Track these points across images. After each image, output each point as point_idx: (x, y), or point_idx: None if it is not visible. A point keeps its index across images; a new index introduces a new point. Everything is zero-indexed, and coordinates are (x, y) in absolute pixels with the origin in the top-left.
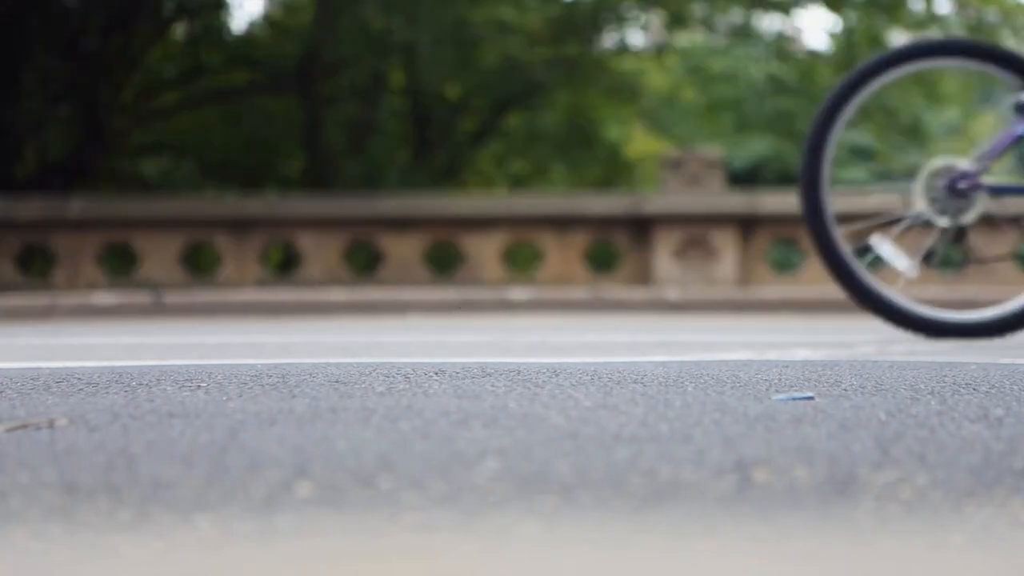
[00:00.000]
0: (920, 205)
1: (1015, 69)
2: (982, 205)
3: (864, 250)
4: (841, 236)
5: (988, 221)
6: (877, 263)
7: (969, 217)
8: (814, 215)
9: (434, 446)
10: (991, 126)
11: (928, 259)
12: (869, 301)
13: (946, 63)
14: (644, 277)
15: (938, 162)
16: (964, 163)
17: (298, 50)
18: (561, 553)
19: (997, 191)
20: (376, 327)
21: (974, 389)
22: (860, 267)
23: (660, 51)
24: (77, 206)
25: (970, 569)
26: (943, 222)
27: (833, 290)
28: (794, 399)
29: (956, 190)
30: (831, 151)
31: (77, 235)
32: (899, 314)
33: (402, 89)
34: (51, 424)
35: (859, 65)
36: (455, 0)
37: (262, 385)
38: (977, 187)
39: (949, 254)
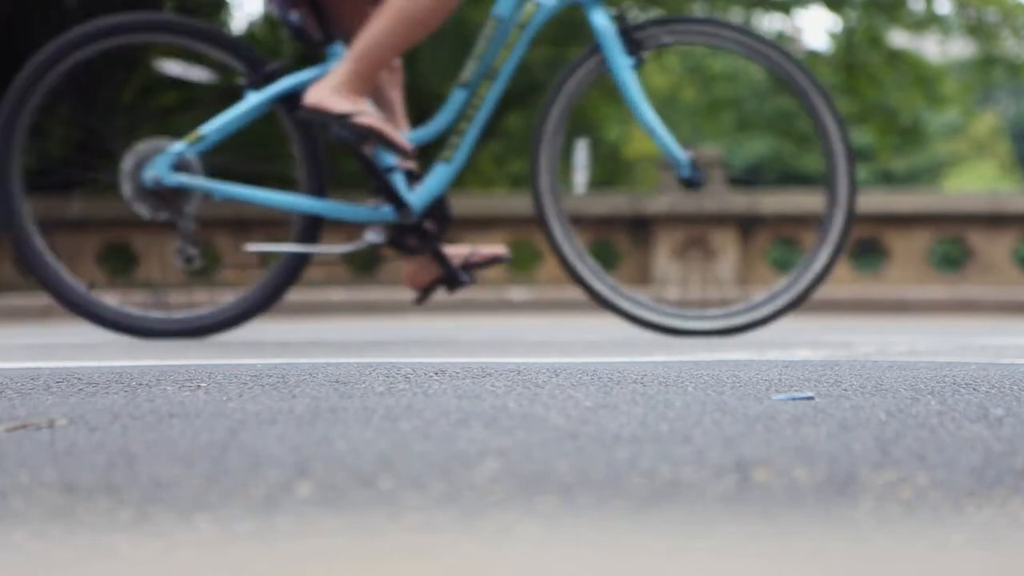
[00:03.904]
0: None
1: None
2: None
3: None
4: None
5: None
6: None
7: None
8: None
9: (434, 446)
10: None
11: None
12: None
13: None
14: (644, 277)
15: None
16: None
17: (298, 50)
18: (561, 553)
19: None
20: (376, 327)
21: (974, 389)
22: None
23: (660, 51)
24: (77, 206)
25: (970, 569)
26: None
27: (834, 290)
28: (794, 399)
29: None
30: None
31: (77, 235)
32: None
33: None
34: (51, 424)
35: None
36: None
37: (262, 385)
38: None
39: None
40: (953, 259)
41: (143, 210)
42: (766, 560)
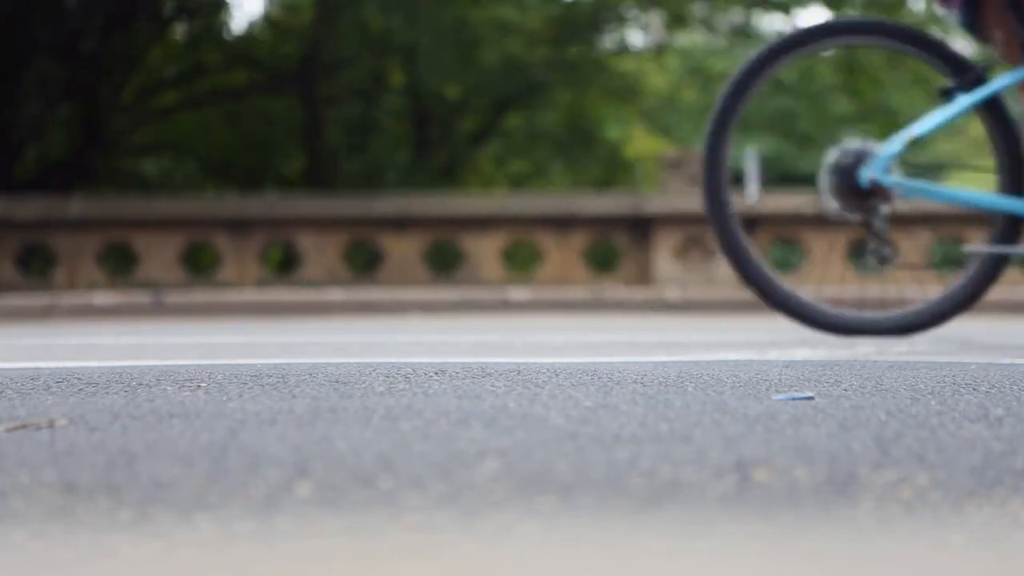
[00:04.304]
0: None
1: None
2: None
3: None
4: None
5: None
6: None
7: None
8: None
9: (434, 446)
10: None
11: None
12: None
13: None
14: (644, 277)
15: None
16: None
17: (298, 50)
18: (561, 553)
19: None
20: (376, 327)
21: (974, 389)
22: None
23: (660, 51)
24: (77, 206)
25: (970, 569)
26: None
27: (834, 290)
28: (794, 399)
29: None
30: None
31: (77, 235)
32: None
33: (402, 89)
34: (51, 424)
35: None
36: (455, 0)
37: (262, 385)
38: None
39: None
40: (953, 259)
41: (835, 207)
42: (766, 560)
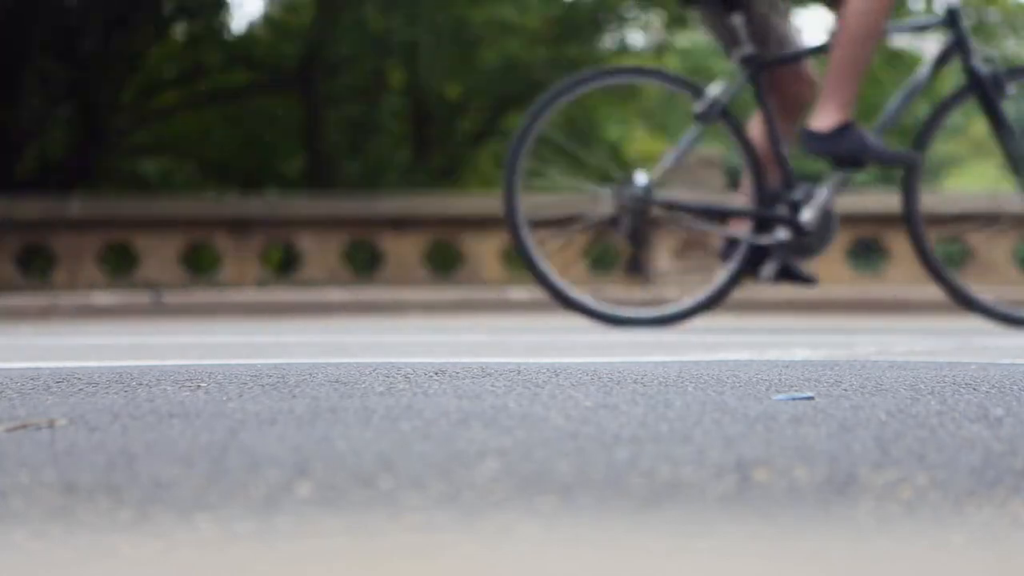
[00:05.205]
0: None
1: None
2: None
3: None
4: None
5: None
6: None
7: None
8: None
9: (434, 446)
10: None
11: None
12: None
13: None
14: (644, 277)
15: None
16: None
17: (298, 50)
18: (561, 553)
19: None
20: (376, 327)
21: (974, 389)
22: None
23: (660, 51)
24: (77, 206)
25: (970, 569)
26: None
27: (833, 290)
28: (794, 399)
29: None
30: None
31: (77, 235)
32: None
33: (402, 89)
34: (51, 424)
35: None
36: (455, 0)
37: (262, 385)
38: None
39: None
40: (953, 259)
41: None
42: (766, 560)
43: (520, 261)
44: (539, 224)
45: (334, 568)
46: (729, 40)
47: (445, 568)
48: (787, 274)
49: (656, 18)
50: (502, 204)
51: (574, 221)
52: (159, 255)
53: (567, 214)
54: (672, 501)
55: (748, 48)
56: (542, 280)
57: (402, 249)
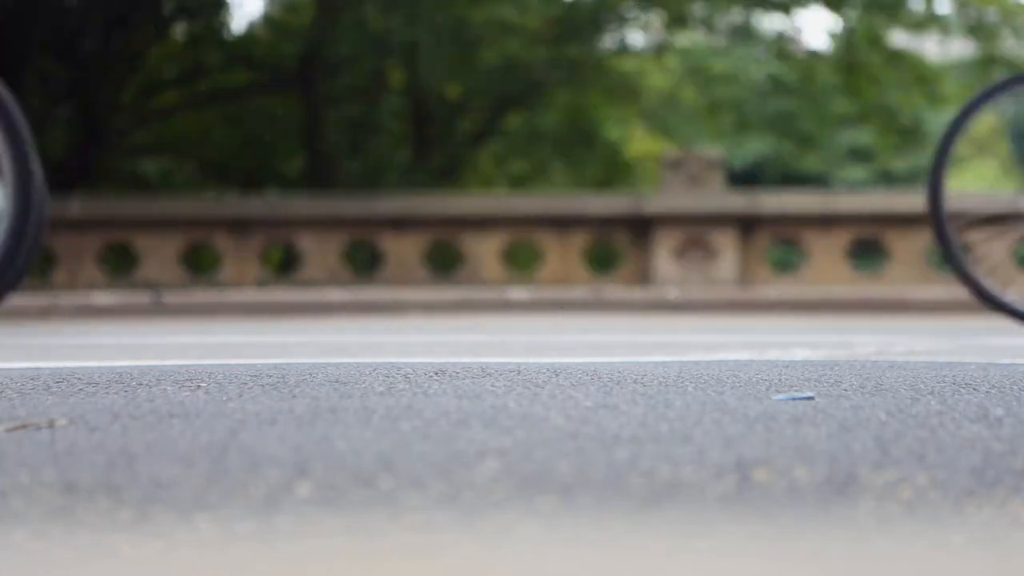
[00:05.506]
0: None
1: None
2: None
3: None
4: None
5: None
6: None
7: None
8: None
9: (434, 446)
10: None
11: None
12: (987, 299)
13: None
14: (644, 277)
15: None
16: None
17: (298, 50)
18: (561, 553)
19: None
20: (376, 327)
21: (974, 389)
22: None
23: (660, 51)
24: (77, 206)
25: (970, 569)
26: None
27: (833, 290)
28: (794, 399)
29: None
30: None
31: (77, 235)
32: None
33: (402, 89)
34: (51, 424)
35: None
36: (455, 0)
37: (262, 385)
38: None
39: None
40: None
41: None
42: (766, 560)
43: (941, 257)
44: (966, 221)
45: (334, 568)
46: None
47: (445, 568)
48: None
49: (656, 18)
50: (926, 197)
51: (1005, 220)
52: (159, 255)
53: (996, 212)
54: (672, 501)
55: None
56: (966, 278)
57: (402, 249)
